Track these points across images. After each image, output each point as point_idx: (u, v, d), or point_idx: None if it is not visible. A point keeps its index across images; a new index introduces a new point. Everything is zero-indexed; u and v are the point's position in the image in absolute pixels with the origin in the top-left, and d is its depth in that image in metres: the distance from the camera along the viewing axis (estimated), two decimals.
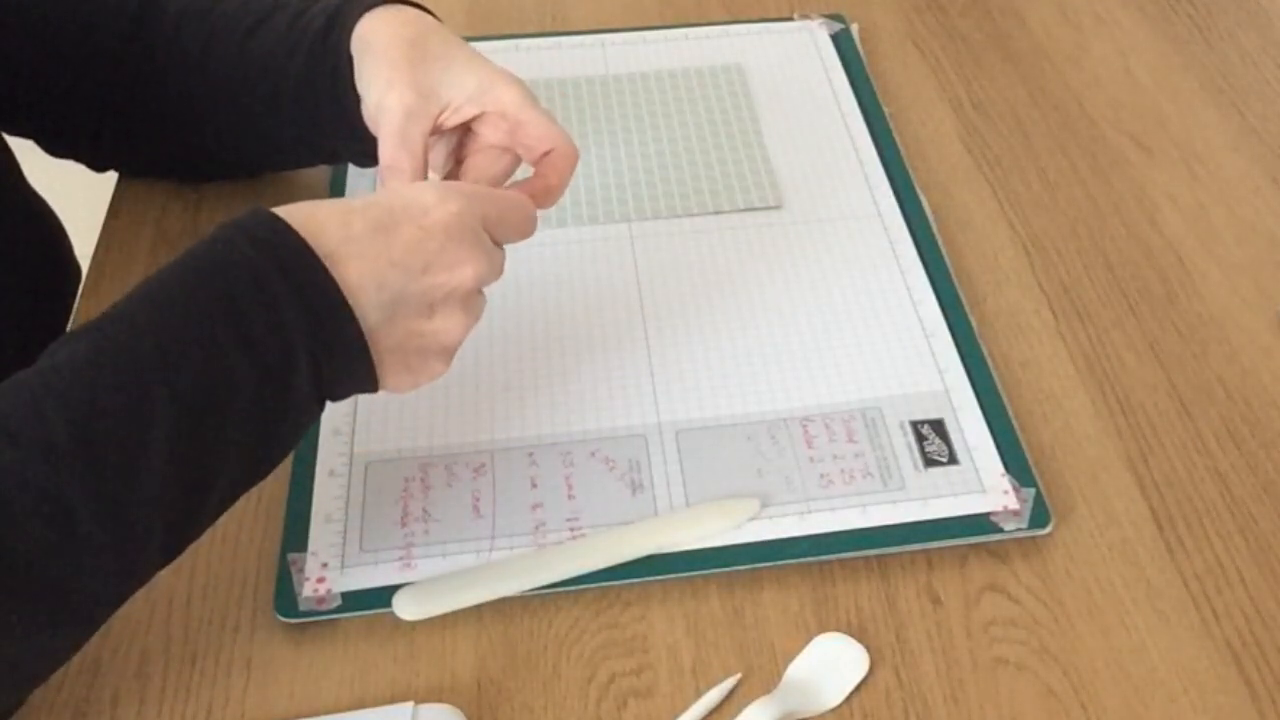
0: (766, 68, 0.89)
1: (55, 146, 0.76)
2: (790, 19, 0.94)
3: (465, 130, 0.63)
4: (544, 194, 0.60)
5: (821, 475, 0.63)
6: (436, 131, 0.61)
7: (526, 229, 0.57)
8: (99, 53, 0.71)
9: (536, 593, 0.58)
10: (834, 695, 0.55)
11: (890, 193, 0.79)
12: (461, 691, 0.55)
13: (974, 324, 0.70)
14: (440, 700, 0.55)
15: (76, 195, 0.92)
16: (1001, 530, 0.60)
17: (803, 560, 0.60)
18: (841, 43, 0.92)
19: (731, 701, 0.55)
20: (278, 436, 0.51)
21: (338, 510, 0.61)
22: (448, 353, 0.54)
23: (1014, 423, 0.65)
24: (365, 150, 0.66)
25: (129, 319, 0.48)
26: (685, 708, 0.55)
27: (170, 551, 0.50)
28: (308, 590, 0.58)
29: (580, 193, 0.79)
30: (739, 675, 0.56)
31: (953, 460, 0.63)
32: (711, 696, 0.55)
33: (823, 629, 0.58)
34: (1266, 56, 0.92)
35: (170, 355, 0.47)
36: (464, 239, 0.52)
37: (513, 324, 0.70)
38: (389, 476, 0.63)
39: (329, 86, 0.65)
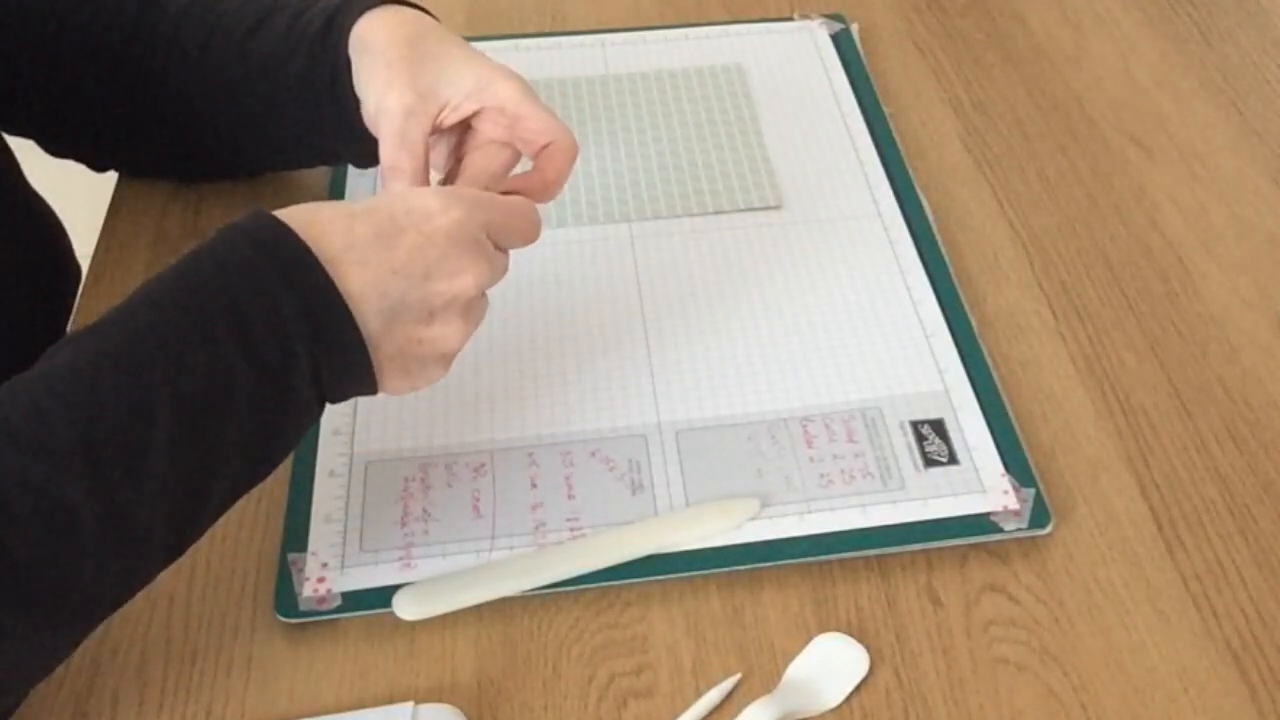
0: (766, 68, 0.89)
1: (55, 146, 0.77)
2: (790, 19, 0.94)
3: (465, 127, 0.63)
4: (543, 187, 0.60)
5: (821, 475, 0.63)
6: (436, 131, 0.61)
7: (530, 235, 0.57)
8: (99, 53, 0.71)
9: (536, 593, 0.58)
10: (834, 695, 0.55)
11: (890, 193, 0.79)
12: (461, 691, 0.55)
13: (974, 324, 0.70)
14: (440, 700, 0.55)
15: (76, 195, 0.92)
16: (1001, 530, 0.60)
17: (803, 560, 0.60)
18: (841, 43, 0.92)
19: (731, 701, 0.55)
20: (278, 438, 0.51)
21: (338, 510, 0.61)
22: (446, 359, 0.54)
23: (1014, 423, 0.65)
24: (365, 151, 0.66)
25: (130, 321, 0.48)
26: (685, 708, 0.55)
27: (172, 552, 0.50)
28: (308, 590, 0.58)
29: (580, 193, 0.79)
30: (739, 675, 0.56)
31: (953, 460, 0.63)
32: (711, 696, 0.55)
33: (823, 629, 0.58)
34: (1266, 56, 0.92)
35: (172, 357, 0.47)
36: (466, 246, 0.52)
37: (513, 324, 0.70)
38: (389, 476, 0.63)
39: (328, 88, 0.65)
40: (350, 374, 0.51)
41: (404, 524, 0.61)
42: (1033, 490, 0.62)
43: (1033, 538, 0.61)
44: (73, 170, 0.79)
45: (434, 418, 0.66)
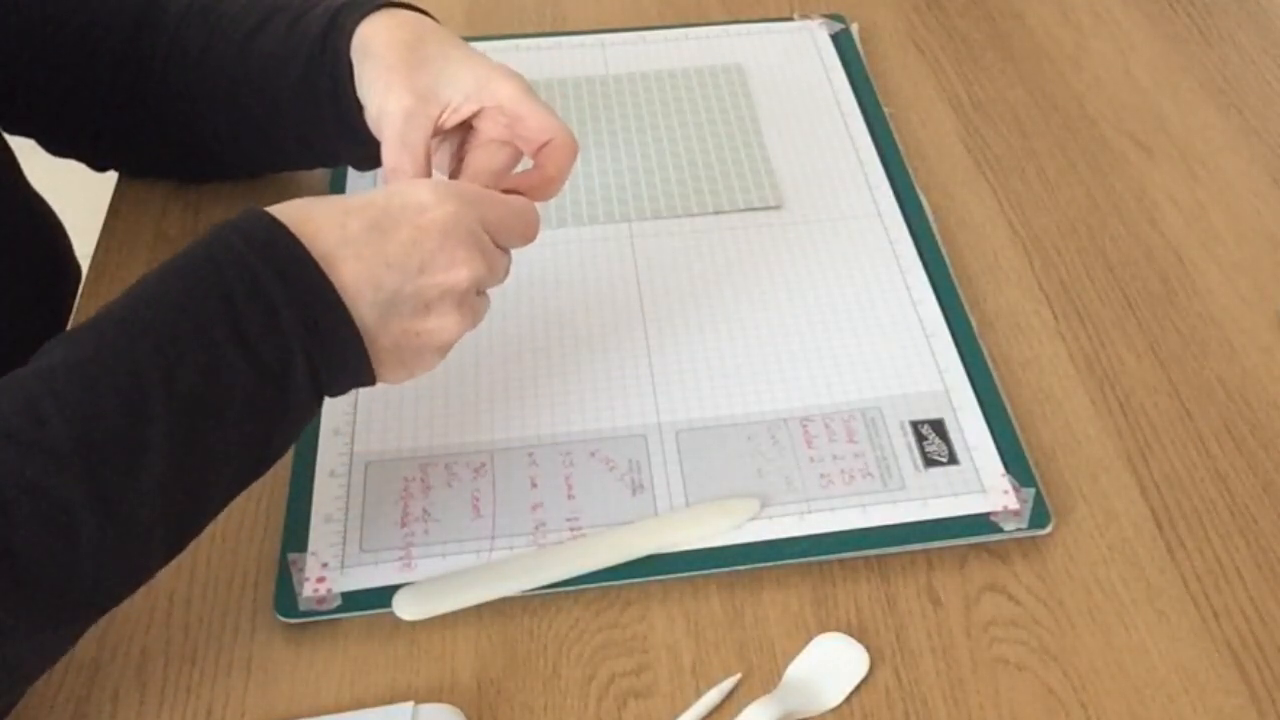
0: (766, 68, 0.89)
1: (55, 146, 0.77)
2: (790, 19, 0.94)
3: (467, 128, 0.63)
4: (543, 185, 0.61)
5: (821, 475, 0.63)
6: (438, 132, 0.61)
7: (529, 234, 0.57)
8: (99, 53, 0.71)
9: (536, 593, 0.58)
10: (834, 695, 0.55)
11: (890, 193, 0.79)
12: (461, 691, 0.55)
13: (974, 324, 0.70)
14: (440, 700, 0.55)
15: (76, 195, 0.92)
16: (1001, 530, 0.60)
17: (803, 560, 0.60)
18: (841, 43, 0.92)
19: (731, 701, 0.55)
20: (276, 434, 0.51)
21: (338, 510, 0.61)
22: (442, 350, 0.55)
23: (1014, 423, 0.65)
24: (366, 153, 0.66)
25: (126, 318, 0.48)
26: (685, 708, 0.55)
27: (172, 549, 0.50)
28: (308, 590, 0.58)
29: (580, 193, 0.79)
30: (739, 675, 0.56)
31: (953, 460, 0.63)
32: (711, 696, 0.55)
33: (823, 629, 0.58)
34: (1266, 56, 0.92)
35: (168, 354, 0.47)
36: (461, 239, 0.52)
37: (513, 324, 0.70)
38: (389, 476, 0.63)
39: (329, 91, 0.65)
40: (347, 368, 0.51)
41: (404, 524, 0.61)
42: (1033, 490, 0.62)
43: (1033, 538, 0.61)
44: (73, 170, 0.79)
45: (434, 418, 0.66)
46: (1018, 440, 0.64)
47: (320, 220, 0.50)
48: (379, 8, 0.64)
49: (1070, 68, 0.91)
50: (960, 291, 0.72)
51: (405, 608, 0.57)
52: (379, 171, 0.75)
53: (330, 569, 0.59)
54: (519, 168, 0.62)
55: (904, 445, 0.64)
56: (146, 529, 0.47)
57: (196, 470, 0.48)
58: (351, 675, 0.56)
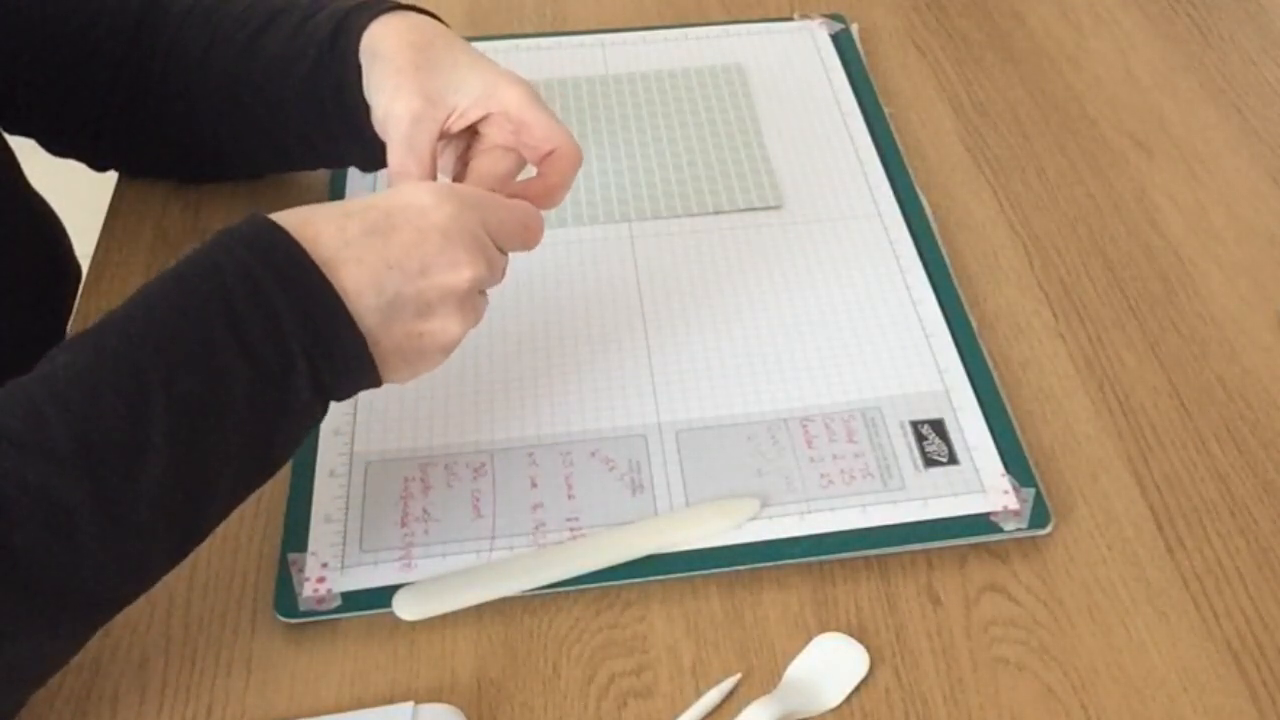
0: (766, 68, 0.89)
1: (55, 145, 0.77)
2: (790, 19, 0.94)
3: (472, 133, 0.63)
4: (546, 194, 0.61)
5: (821, 475, 0.63)
6: (444, 136, 0.61)
7: (529, 239, 0.57)
8: (100, 52, 0.71)
9: (536, 593, 0.58)
10: (834, 695, 0.55)
11: (890, 193, 0.79)
12: (461, 691, 0.55)
13: (974, 324, 0.70)
14: (440, 700, 0.55)
15: (76, 195, 0.92)
16: (1001, 530, 0.60)
17: (803, 560, 0.60)
18: (841, 43, 0.92)
19: (731, 701, 0.55)
20: (280, 439, 0.51)
21: (338, 510, 0.61)
22: (446, 350, 0.55)
23: (1014, 423, 0.65)
24: (370, 156, 0.66)
25: (127, 325, 0.48)
26: (685, 708, 0.55)
27: (175, 553, 0.50)
28: (308, 590, 0.58)
29: (580, 193, 0.79)
30: (739, 675, 0.56)
31: (953, 460, 0.63)
32: (711, 696, 0.55)
33: (823, 629, 0.58)
34: (1266, 56, 0.92)
35: (169, 360, 0.47)
36: (462, 240, 0.52)
37: (513, 324, 0.70)
38: (389, 476, 0.63)
39: (335, 93, 0.65)
40: (351, 371, 0.52)
41: (404, 524, 0.61)
42: (1033, 490, 0.62)
43: (1033, 538, 0.61)
44: (73, 170, 0.79)
45: (434, 418, 0.66)
46: (1018, 440, 0.64)
47: (320, 225, 0.51)
48: (389, 10, 0.64)
49: (1070, 68, 0.91)
50: (960, 291, 0.72)
51: (405, 608, 0.57)
52: (381, 173, 0.76)
53: (330, 569, 0.59)
54: (521, 175, 0.62)
55: (904, 445, 0.64)
56: (147, 531, 0.47)
57: (197, 473, 0.48)
58: (351, 675, 0.56)
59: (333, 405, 0.53)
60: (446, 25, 0.65)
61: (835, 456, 0.64)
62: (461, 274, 0.52)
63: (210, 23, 0.70)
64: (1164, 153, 0.84)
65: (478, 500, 0.62)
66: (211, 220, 0.77)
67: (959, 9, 0.97)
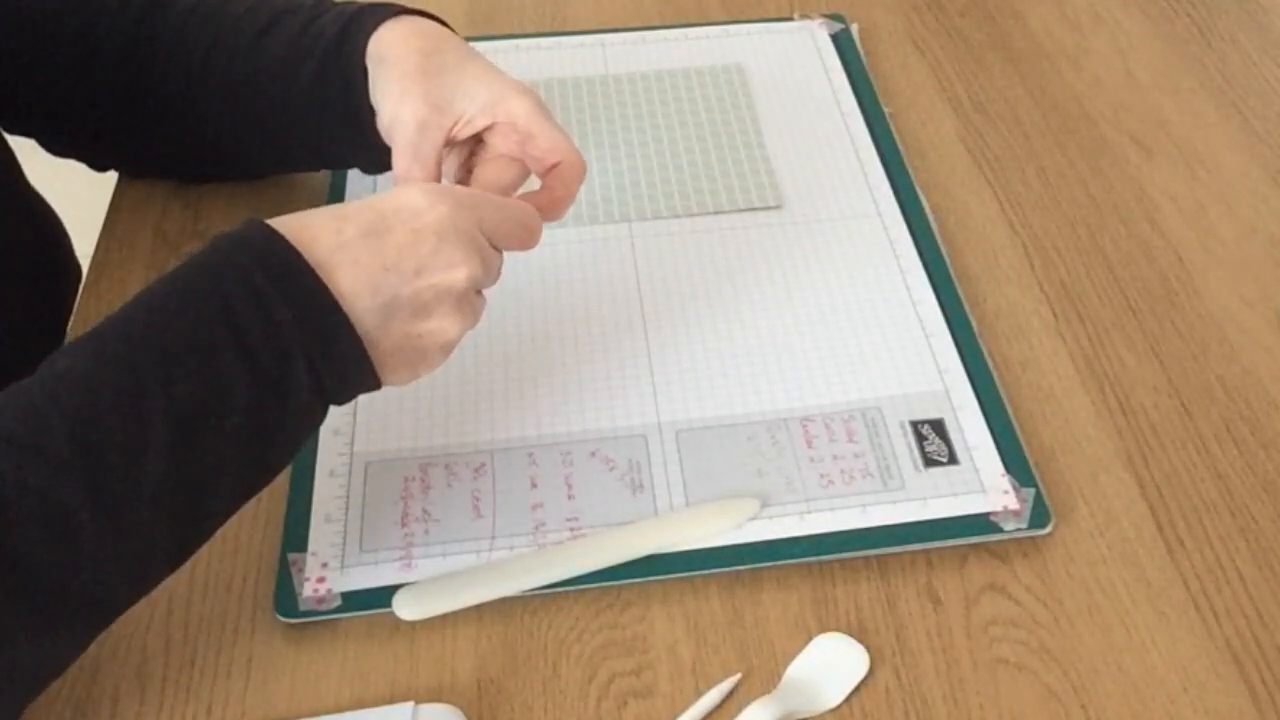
0: (766, 68, 0.89)
1: (56, 145, 0.77)
2: (790, 19, 0.94)
3: (477, 140, 0.63)
4: (551, 206, 0.61)
5: (821, 475, 0.63)
6: (450, 143, 0.61)
7: (525, 238, 0.57)
8: (100, 52, 0.71)
9: (536, 593, 0.58)
10: (834, 695, 0.55)
11: (890, 193, 0.79)
12: (461, 691, 0.55)
13: (974, 324, 0.70)
14: (440, 700, 0.55)
15: (76, 195, 0.92)
16: (1001, 530, 0.60)
17: (803, 560, 0.60)
18: (841, 43, 0.92)
19: (731, 701, 0.55)
20: (280, 442, 0.51)
21: (338, 510, 0.61)
22: (445, 350, 0.55)
23: (1014, 423, 0.65)
24: (374, 159, 0.66)
25: (126, 328, 0.48)
26: (685, 708, 0.55)
27: (174, 555, 0.50)
28: (308, 590, 0.58)
29: (580, 193, 0.78)
30: (739, 675, 0.56)
31: (953, 460, 0.63)
32: (711, 696, 0.55)
33: (823, 629, 0.58)
34: (1266, 56, 0.92)
35: (168, 363, 0.47)
36: (457, 240, 0.52)
37: (513, 324, 0.70)
38: (389, 476, 0.63)
39: (341, 95, 0.65)
40: (351, 374, 0.52)
41: (404, 524, 0.61)
42: (1033, 490, 0.62)
43: (1033, 538, 0.61)
44: (73, 170, 0.79)
45: (434, 418, 0.66)
46: (1018, 440, 0.64)
47: (316, 228, 0.51)
48: (395, 14, 0.64)
49: (1070, 68, 0.91)
50: (960, 291, 0.72)
51: (405, 608, 0.57)
52: (383, 175, 0.76)
53: (330, 569, 0.59)
54: (525, 186, 0.63)
55: (904, 445, 0.64)
56: (147, 533, 0.47)
57: (197, 475, 0.48)
58: (351, 675, 0.56)
59: (332, 405, 0.53)
60: (453, 30, 0.65)
61: (835, 456, 0.64)
62: (457, 274, 0.52)
63: (213, 23, 0.70)
64: (1164, 153, 0.84)
65: (478, 500, 0.62)
66: (211, 220, 0.77)
67: (959, 9, 0.97)
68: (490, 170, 0.61)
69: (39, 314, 0.75)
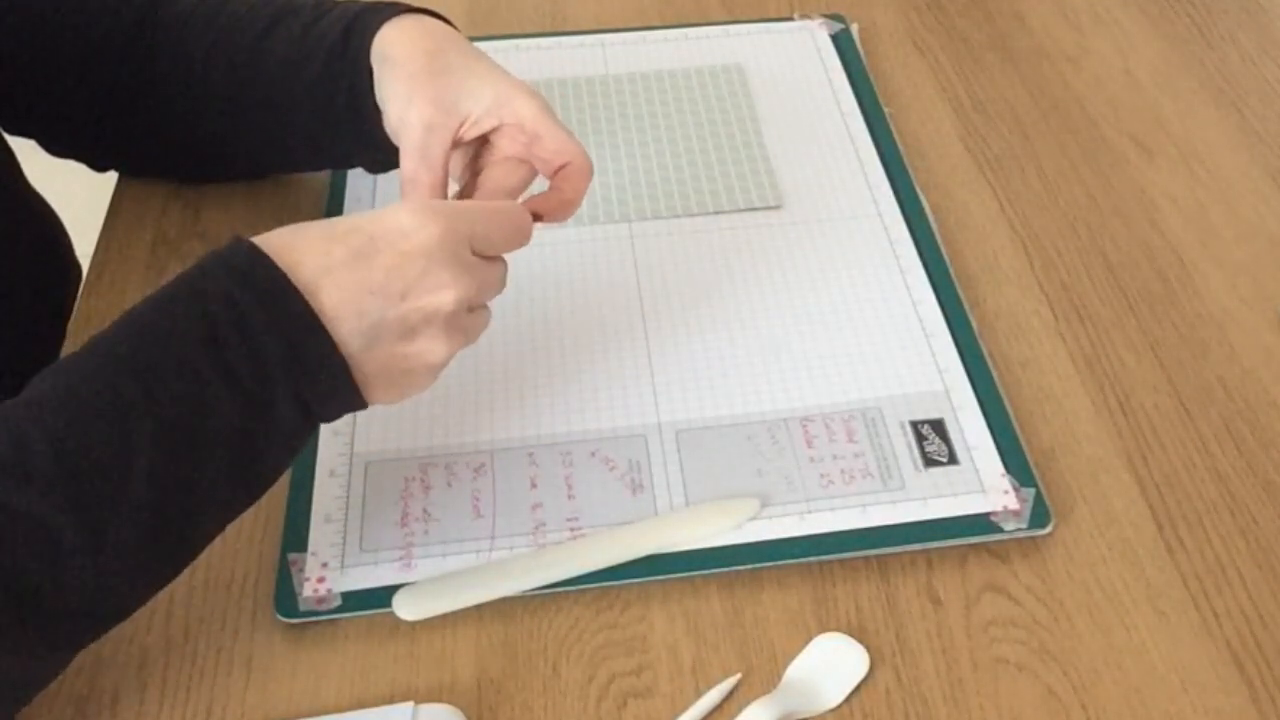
0: (766, 68, 0.89)
1: (55, 146, 0.76)
2: (790, 19, 0.94)
3: (483, 141, 0.63)
4: (559, 207, 0.61)
5: (821, 475, 0.63)
6: (456, 144, 0.61)
7: (516, 238, 0.57)
8: (100, 52, 0.71)
9: (536, 593, 0.58)
10: (834, 695, 0.55)
11: (890, 193, 0.79)
12: (461, 691, 0.55)
13: (974, 324, 0.70)
14: (440, 700, 0.55)
15: (76, 195, 0.92)
16: (1001, 530, 0.60)
17: (803, 560, 0.60)
18: (841, 43, 0.92)
19: (731, 701, 0.55)
20: (266, 460, 0.51)
21: (338, 510, 0.61)
22: (433, 371, 0.54)
23: (1014, 423, 0.65)
24: (378, 158, 0.66)
25: (110, 348, 0.48)
26: (685, 708, 0.55)
27: (164, 573, 0.50)
28: (308, 590, 0.58)
29: None
30: (739, 675, 0.56)
31: (953, 460, 0.63)
32: (711, 696, 0.55)
33: (823, 629, 0.58)
34: (1266, 56, 0.92)
35: (150, 382, 0.47)
36: (445, 262, 0.52)
37: (513, 324, 0.70)
38: (389, 476, 0.63)
39: (345, 94, 0.65)
40: (334, 393, 0.51)
41: (404, 524, 0.61)
42: (1033, 490, 0.62)
43: (1033, 538, 0.61)
44: (73, 170, 0.79)
45: (434, 418, 0.66)
46: (1018, 440, 0.64)
47: (302, 249, 0.50)
48: (400, 13, 0.64)
49: (1070, 68, 0.91)
50: (960, 291, 0.72)
51: (405, 608, 0.57)
52: (381, 175, 0.76)
53: (330, 569, 0.59)
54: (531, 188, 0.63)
55: (904, 445, 0.64)
56: (133, 551, 0.47)
57: (182, 494, 0.48)
58: (351, 675, 0.56)
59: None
60: (458, 30, 0.65)
61: (835, 456, 0.64)
62: (443, 296, 0.52)
63: (214, 23, 0.70)
64: (1164, 153, 0.84)
65: (478, 500, 0.62)
66: (211, 220, 0.77)
67: (959, 9, 0.97)
68: (498, 172, 0.61)
69: (39, 314, 0.75)
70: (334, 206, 0.76)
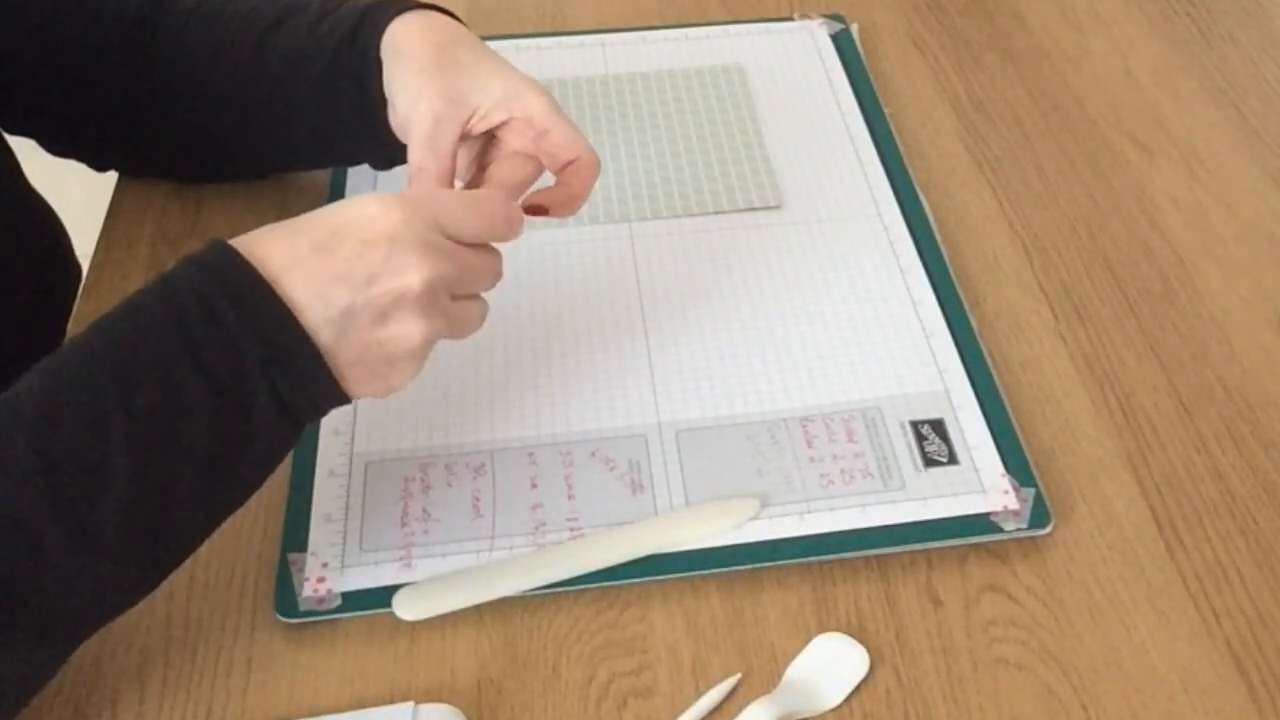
0: (766, 68, 0.89)
1: (56, 146, 0.76)
2: (790, 19, 0.94)
3: (490, 136, 0.63)
4: (566, 202, 0.61)
5: (821, 475, 0.63)
6: (465, 137, 0.61)
7: (493, 224, 0.55)
8: (100, 52, 0.71)
9: (536, 593, 0.58)
10: (834, 695, 0.55)
11: (890, 193, 0.79)
12: (461, 691, 0.55)
13: (974, 324, 0.70)
14: (440, 700, 0.55)
15: (76, 195, 0.92)
16: (1001, 530, 0.60)
17: (803, 560, 0.60)
18: (841, 43, 0.92)
19: (731, 701, 0.55)
20: (249, 458, 0.51)
21: (338, 510, 0.61)
22: (414, 356, 0.53)
23: (1014, 423, 0.65)
24: (384, 153, 0.65)
25: (87, 347, 0.48)
26: (685, 708, 0.55)
27: (151, 573, 0.50)
28: (308, 590, 0.58)
29: None
30: (739, 675, 0.56)
31: (953, 460, 0.63)
32: (711, 696, 0.55)
33: (823, 629, 0.58)
34: (1266, 56, 0.92)
35: (126, 380, 0.47)
36: (410, 245, 0.51)
37: (513, 324, 0.70)
38: (389, 476, 0.63)
39: (353, 90, 0.65)
40: (311, 386, 0.51)
41: (404, 524, 0.61)
42: (1033, 490, 0.62)
43: (1033, 538, 0.61)
44: (73, 170, 0.79)
45: (434, 418, 0.66)
46: (1018, 440, 0.64)
47: (270, 244, 0.50)
48: (410, 8, 0.64)
49: (1070, 68, 0.91)
50: (960, 291, 0.72)
51: (405, 608, 0.57)
52: (382, 173, 0.75)
53: (330, 569, 0.59)
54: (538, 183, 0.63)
55: (904, 445, 0.64)
56: (114, 550, 0.47)
57: (163, 491, 0.48)
58: (351, 675, 0.56)
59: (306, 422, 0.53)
60: (466, 25, 0.65)
61: (835, 456, 0.64)
62: (409, 277, 0.51)
63: (217, 22, 0.70)
64: (1164, 153, 0.84)
65: (478, 500, 0.62)
66: (212, 220, 0.77)
67: (959, 9, 0.97)
68: (505, 167, 0.61)
69: (39, 314, 0.75)
70: None
